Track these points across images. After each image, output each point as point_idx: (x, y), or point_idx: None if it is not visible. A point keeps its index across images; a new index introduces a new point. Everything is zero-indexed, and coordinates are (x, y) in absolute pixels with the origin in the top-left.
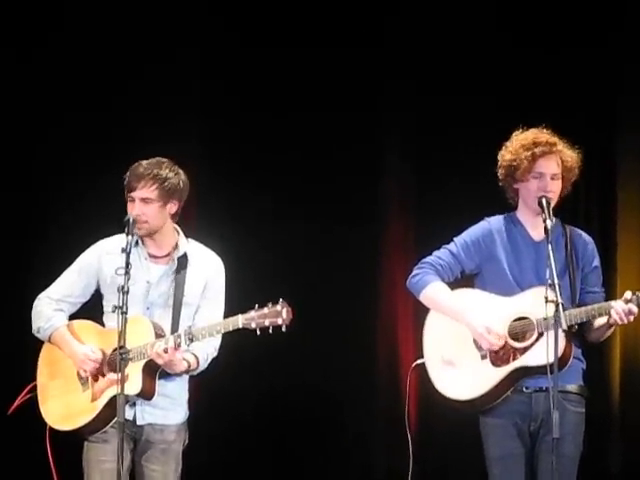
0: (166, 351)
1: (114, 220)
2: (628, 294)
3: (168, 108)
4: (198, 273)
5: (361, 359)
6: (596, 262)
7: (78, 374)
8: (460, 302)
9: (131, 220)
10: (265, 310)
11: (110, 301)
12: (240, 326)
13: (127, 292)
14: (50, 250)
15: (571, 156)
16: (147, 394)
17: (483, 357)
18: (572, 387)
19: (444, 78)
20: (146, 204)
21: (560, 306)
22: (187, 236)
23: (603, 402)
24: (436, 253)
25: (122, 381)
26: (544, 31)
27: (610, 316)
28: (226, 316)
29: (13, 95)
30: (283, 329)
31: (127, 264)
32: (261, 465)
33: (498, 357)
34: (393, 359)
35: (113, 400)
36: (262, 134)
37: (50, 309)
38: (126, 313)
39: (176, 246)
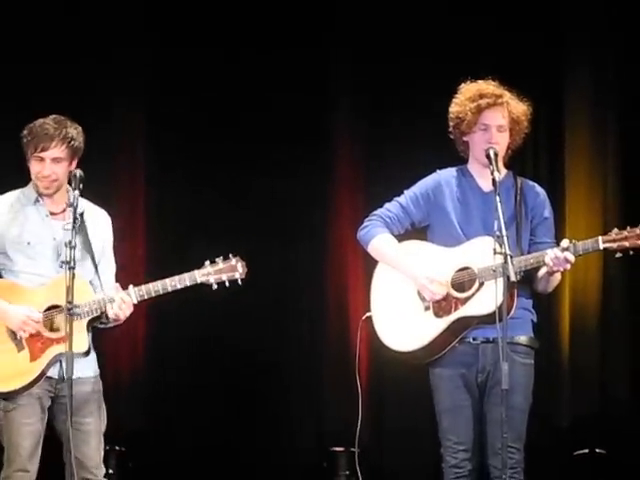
0: (128, 305)
1: None
2: (565, 242)
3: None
4: (95, 228)
5: (311, 310)
6: (547, 213)
7: (10, 334)
8: (405, 253)
9: (78, 175)
10: (220, 265)
11: (16, 261)
12: (198, 281)
13: (74, 247)
14: None
15: (519, 108)
16: (88, 352)
17: (427, 308)
18: (522, 339)
19: (388, 43)
20: (57, 163)
21: (509, 258)
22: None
23: (553, 354)
24: (386, 205)
25: (70, 337)
26: None
27: (545, 264)
28: (174, 273)
29: None
30: (239, 283)
31: (74, 219)
32: (210, 415)
33: (441, 308)
34: (343, 311)
35: (54, 359)
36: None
37: None
38: (74, 268)
39: (69, 203)
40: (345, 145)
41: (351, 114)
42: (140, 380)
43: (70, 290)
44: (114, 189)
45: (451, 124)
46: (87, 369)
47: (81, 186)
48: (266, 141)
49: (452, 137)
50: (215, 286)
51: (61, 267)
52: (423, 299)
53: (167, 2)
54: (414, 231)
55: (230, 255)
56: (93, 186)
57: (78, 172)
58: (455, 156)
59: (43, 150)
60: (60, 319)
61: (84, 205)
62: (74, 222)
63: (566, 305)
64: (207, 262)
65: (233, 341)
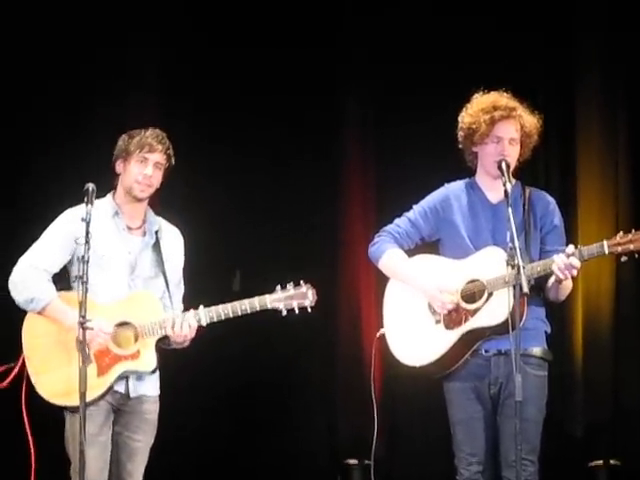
0: (190, 328)
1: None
2: (570, 248)
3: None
4: (171, 248)
5: (326, 325)
6: (556, 221)
7: (79, 347)
8: (415, 267)
9: (90, 189)
10: (291, 291)
11: (95, 273)
12: (268, 307)
13: (87, 262)
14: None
15: (530, 121)
16: (155, 371)
17: (437, 322)
18: (535, 350)
19: (400, 45)
20: (157, 169)
21: (521, 269)
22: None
23: (566, 365)
24: (396, 221)
25: (84, 351)
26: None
27: (552, 270)
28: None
29: None
30: (309, 310)
31: (87, 233)
32: (226, 430)
33: (451, 320)
34: (357, 326)
35: (121, 375)
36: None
37: (42, 279)
38: (86, 283)
39: (145, 219)
40: (355, 161)
41: (360, 127)
42: None
43: (83, 304)
44: None
45: (461, 134)
46: (151, 388)
47: (94, 199)
48: (271, 157)
49: (460, 147)
50: (285, 312)
51: (133, 281)
52: (434, 312)
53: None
54: (425, 245)
55: (301, 282)
56: None
57: (91, 186)
58: (464, 167)
59: (150, 151)
60: (129, 336)
61: (160, 223)
62: (87, 236)
63: (579, 314)
64: (278, 287)
65: (247, 354)
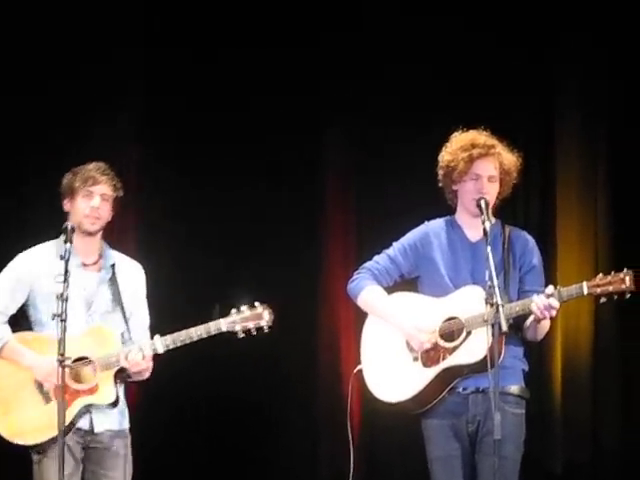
0: (143, 358)
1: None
2: (550, 289)
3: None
4: (128, 280)
5: (303, 364)
6: (535, 261)
7: (37, 386)
8: (394, 305)
9: (69, 227)
10: (246, 313)
11: (46, 312)
12: (223, 330)
13: (66, 299)
14: None
15: (509, 159)
16: (116, 403)
17: (415, 359)
18: (512, 388)
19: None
20: (104, 201)
21: (500, 308)
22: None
23: (545, 403)
24: (375, 258)
25: (62, 389)
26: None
27: (531, 311)
28: (191, 321)
29: None
30: (265, 330)
31: (66, 271)
32: (197, 469)
33: (429, 358)
34: (335, 363)
35: (82, 410)
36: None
37: None
38: (65, 321)
39: (101, 254)
40: (334, 195)
41: (340, 162)
42: None
43: (62, 343)
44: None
45: (441, 172)
46: (118, 422)
47: (73, 238)
48: (251, 185)
49: (440, 185)
50: (242, 334)
51: (90, 317)
52: (412, 350)
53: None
54: (404, 283)
55: (256, 303)
56: None
57: (70, 225)
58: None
59: (94, 184)
60: (88, 371)
61: (116, 257)
62: (65, 274)
63: (558, 352)
64: (233, 310)
65: (222, 391)
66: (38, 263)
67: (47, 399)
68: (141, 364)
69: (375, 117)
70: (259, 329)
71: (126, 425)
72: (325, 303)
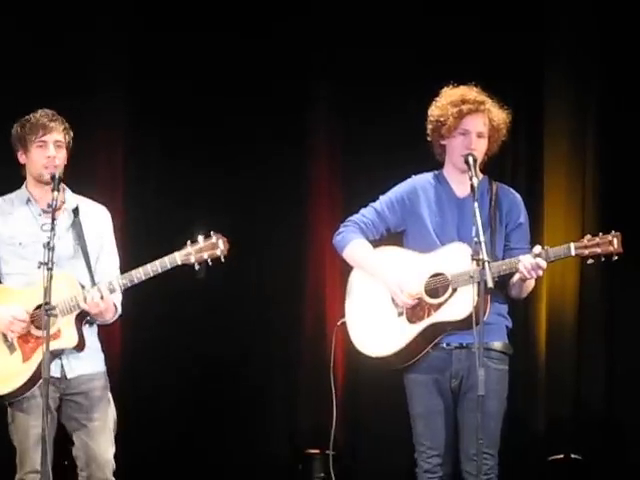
0: (102, 298)
1: None
2: (537, 248)
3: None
4: (92, 224)
5: (288, 313)
6: (522, 219)
7: (1, 337)
8: (379, 259)
9: (57, 175)
10: (201, 244)
11: (9, 262)
12: (179, 262)
13: (53, 248)
14: None
15: (499, 116)
16: (81, 346)
17: (400, 314)
18: (496, 345)
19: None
20: (59, 148)
21: (487, 264)
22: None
23: (529, 360)
24: (362, 211)
25: (47, 338)
26: None
27: (518, 270)
28: (156, 257)
29: None
30: (222, 260)
31: (53, 219)
32: (181, 418)
33: (414, 314)
34: (320, 315)
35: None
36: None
37: None
38: (51, 269)
39: (63, 198)
40: (321, 148)
41: (327, 116)
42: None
43: (48, 291)
44: (92, 167)
45: (430, 127)
46: (92, 365)
47: (59, 187)
48: (243, 141)
49: (429, 139)
50: (197, 266)
51: (39, 268)
52: (397, 305)
53: None
54: (390, 236)
55: (211, 232)
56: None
57: (57, 172)
58: (432, 159)
59: (45, 134)
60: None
61: (79, 201)
62: (52, 222)
63: (543, 309)
64: (188, 242)
65: (206, 343)
66: None
67: (12, 349)
68: (99, 304)
69: (362, 72)
70: (215, 259)
71: (101, 368)
72: (311, 254)
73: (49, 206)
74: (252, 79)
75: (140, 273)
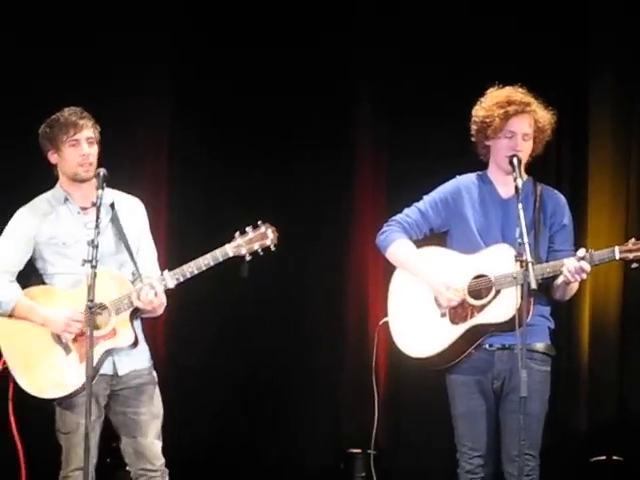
0: (156, 295)
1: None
2: (581, 251)
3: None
4: (129, 218)
5: (332, 314)
6: (566, 220)
7: (55, 339)
8: (423, 259)
9: (102, 174)
10: (250, 235)
11: (54, 263)
12: (230, 254)
13: (97, 246)
14: None
15: (544, 117)
16: (136, 343)
17: (443, 315)
18: (538, 346)
19: (415, 44)
20: (90, 145)
21: (530, 265)
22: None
23: (572, 361)
24: (405, 211)
25: (91, 335)
26: None
27: (562, 273)
28: (206, 252)
29: None
30: (272, 249)
31: (97, 217)
32: (227, 415)
33: (457, 315)
34: (363, 315)
35: (103, 356)
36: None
37: (3, 283)
38: (95, 267)
39: (93, 202)
40: (366, 149)
41: (372, 118)
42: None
43: (92, 288)
44: (137, 167)
45: (475, 127)
46: (141, 361)
47: (104, 185)
48: (289, 142)
49: (473, 140)
50: (248, 257)
51: (82, 265)
52: (439, 305)
53: None
54: (433, 237)
55: (259, 222)
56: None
57: (102, 171)
58: (476, 162)
59: (76, 132)
60: (103, 316)
61: (114, 196)
62: (97, 220)
63: (586, 311)
64: (237, 233)
65: (252, 341)
66: (38, 215)
67: (67, 350)
68: (154, 301)
69: (408, 80)
70: (265, 249)
71: (149, 363)
72: (354, 254)
73: (93, 204)
74: (300, 79)
75: (192, 267)
